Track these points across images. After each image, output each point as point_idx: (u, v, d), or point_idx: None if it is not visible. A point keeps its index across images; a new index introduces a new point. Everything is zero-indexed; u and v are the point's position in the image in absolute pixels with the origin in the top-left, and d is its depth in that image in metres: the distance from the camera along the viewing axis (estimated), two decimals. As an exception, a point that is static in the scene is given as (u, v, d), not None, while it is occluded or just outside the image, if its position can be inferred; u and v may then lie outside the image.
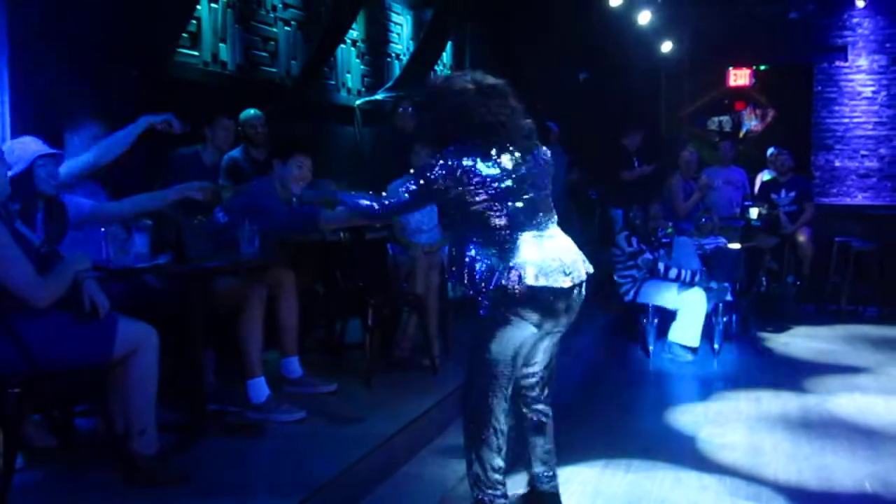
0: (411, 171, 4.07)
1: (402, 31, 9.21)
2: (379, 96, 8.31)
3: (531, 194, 3.13)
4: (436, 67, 9.64)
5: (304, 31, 7.32)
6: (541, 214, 3.16)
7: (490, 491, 3.17)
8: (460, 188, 3.05)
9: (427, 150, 3.29)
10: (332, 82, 7.88)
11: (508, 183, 3.06)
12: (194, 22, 5.94)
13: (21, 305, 3.01)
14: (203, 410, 3.88)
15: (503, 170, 3.06)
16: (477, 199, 3.06)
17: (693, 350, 6.59)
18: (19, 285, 2.98)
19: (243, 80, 6.54)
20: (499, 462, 3.18)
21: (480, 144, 3.07)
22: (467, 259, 3.10)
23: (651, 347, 6.75)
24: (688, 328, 6.59)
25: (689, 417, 5.19)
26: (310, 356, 4.87)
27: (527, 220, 3.10)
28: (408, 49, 9.22)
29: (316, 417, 4.09)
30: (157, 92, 5.33)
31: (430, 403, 4.38)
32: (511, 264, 3.02)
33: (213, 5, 6.18)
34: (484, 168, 3.04)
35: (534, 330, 3.11)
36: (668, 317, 6.73)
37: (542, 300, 3.05)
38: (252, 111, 5.95)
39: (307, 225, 4.45)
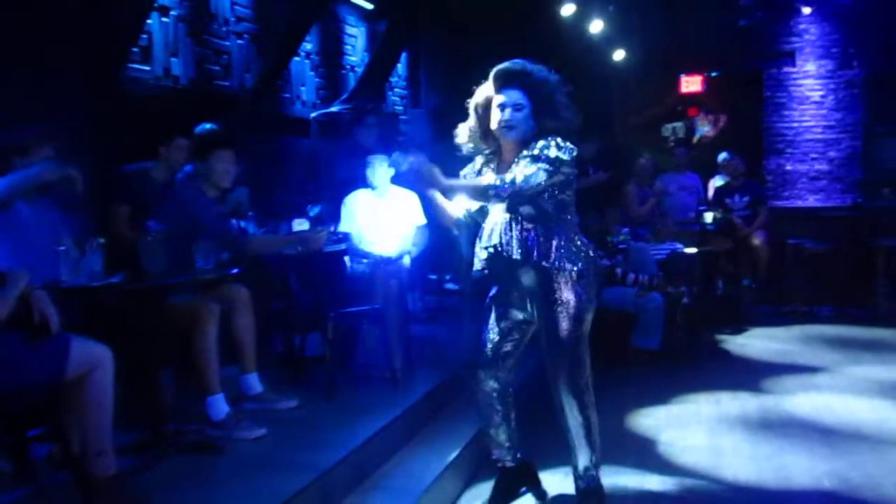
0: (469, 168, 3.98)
1: (356, 42, 9.20)
2: (334, 108, 8.29)
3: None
4: (391, 79, 9.65)
5: (257, 43, 7.28)
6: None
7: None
8: (569, 173, 3.49)
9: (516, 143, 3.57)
10: (287, 95, 7.85)
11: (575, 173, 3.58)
12: (145, 36, 5.88)
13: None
14: (162, 430, 3.82)
15: (577, 161, 3.54)
16: (571, 185, 3.54)
17: (654, 353, 6.65)
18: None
19: (196, 94, 6.48)
20: None
21: (572, 136, 3.54)
22: (559, 241, 3.50)
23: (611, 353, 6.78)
24: (648, 332, 6.65)
25: (651, 421, 5.24)
26: (270, 371, 4.82)
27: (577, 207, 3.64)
28: (362, 61, 9.22)
29: (277, 434, 4.05)
30: (109, 108, 5.26)
31: (393, 415, 4.36)
32: (588, 244, 3.57)
33: (163, 19, 6.12)
34: (574, 157, 3.49)
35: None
36: (627, 322, 6.78)
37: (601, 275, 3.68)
38: (208, 126, 5.89)
39: (236, 241, 4.40)
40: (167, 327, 3.95)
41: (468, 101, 3.70)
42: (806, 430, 4.98)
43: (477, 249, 3.70)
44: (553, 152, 3.41)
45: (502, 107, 3.52)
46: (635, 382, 6.25)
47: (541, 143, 3.45)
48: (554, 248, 3.49)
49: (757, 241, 8.83)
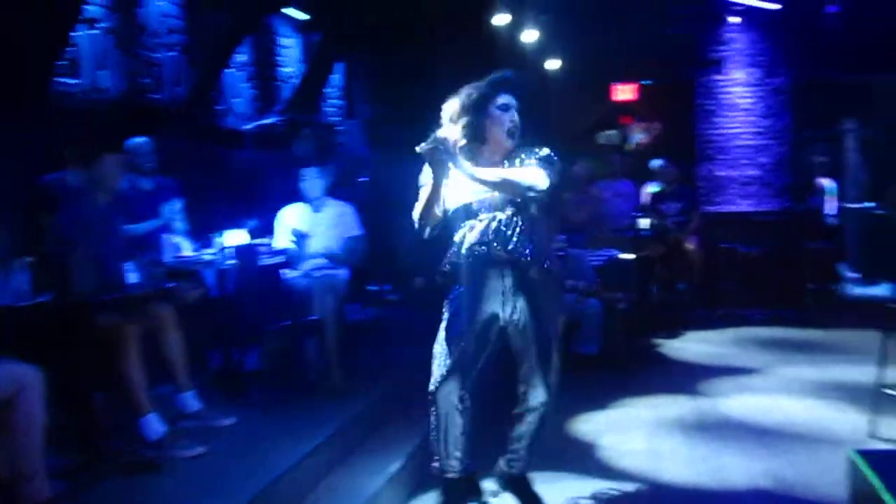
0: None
1: (290, 54, 9.14)
2: (269, 120, 8.22)
3: None
4: (325, 90, 9.60)
5: (189, 55, 7.18)
6: None
7: None
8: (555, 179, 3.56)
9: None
10: (221, 107, 7.75)
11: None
12: (73, 49, 5.76)
13: None
14: (97, 451, 3.73)
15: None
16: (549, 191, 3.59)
17: (593, 358, 6.71)
18: None
19: (127, 107, 6.36)
20: None
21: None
22: (547, 242, 3.72)
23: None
24: (587, 338, 6.71)
25: (591, 426, 5.28)
26: (208, 388, 4.74)
27: None
28: (297, 72, 9.16)
29: (216, 451, 3.98)
30: (36, 123, 5.14)
31: (332, 429, 4.32)
32: None
33: (92, 31, 6.00)
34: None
35: None
36: (567, 328, 6.83)
37: None
38: (139, 139, 5.79)
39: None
40: (95, 347, 3.85)
41: (458, 100, 3.64)
42: (741, 432, 5.07)
43: (454, 250, 3.66)
44: (551, 158, 3.57)
45: (506, 108, 3.60)
46: (575, 388, 6.27)
47: (536, 149, 3.59)
48: (543, 249, 3.62)
49: (690, 245, 8.99)
